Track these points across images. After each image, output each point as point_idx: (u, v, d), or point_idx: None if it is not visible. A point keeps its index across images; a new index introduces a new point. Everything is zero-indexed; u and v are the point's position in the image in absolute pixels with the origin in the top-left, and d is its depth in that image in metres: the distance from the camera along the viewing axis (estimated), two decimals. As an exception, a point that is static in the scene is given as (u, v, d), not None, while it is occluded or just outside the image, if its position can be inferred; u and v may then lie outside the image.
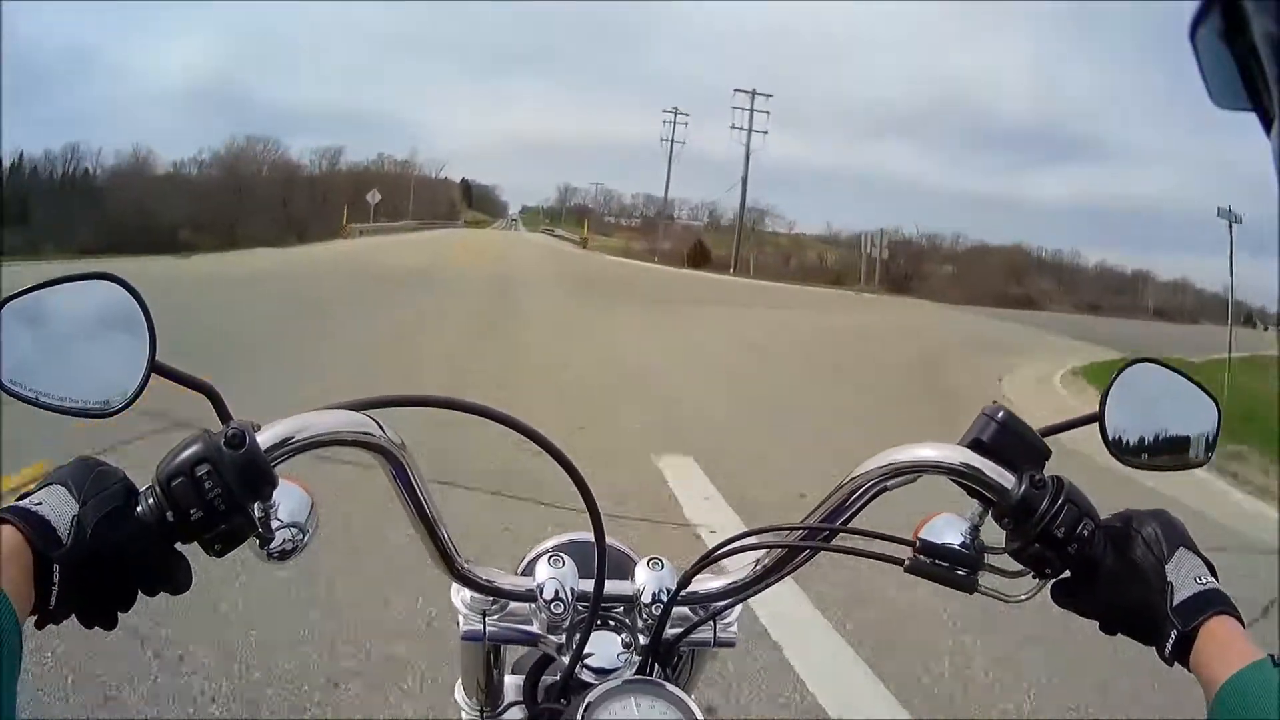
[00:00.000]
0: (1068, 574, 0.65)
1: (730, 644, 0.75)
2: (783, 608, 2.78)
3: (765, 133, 43.90)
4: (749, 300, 20.04)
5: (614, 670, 0.70)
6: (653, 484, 4.25)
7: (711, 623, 0.74)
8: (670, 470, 4.50)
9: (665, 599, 0.71)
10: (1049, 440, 0.68)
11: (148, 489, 0.57)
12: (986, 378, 9.54)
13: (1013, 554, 0.66)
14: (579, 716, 0.61)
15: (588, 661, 0.70)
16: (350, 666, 2.36)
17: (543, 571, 0.71)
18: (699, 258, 42.86)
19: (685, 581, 0.71)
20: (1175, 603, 0.60)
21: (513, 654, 0.85)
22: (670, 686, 0.65)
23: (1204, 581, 0.61)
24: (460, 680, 0.83)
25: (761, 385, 8.01)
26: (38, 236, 20.05)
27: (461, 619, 0.74)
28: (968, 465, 0.66)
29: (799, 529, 0.72)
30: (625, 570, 0.74)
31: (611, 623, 0.73)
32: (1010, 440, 0.66)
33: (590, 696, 0.62)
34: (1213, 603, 0.60)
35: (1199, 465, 0.72)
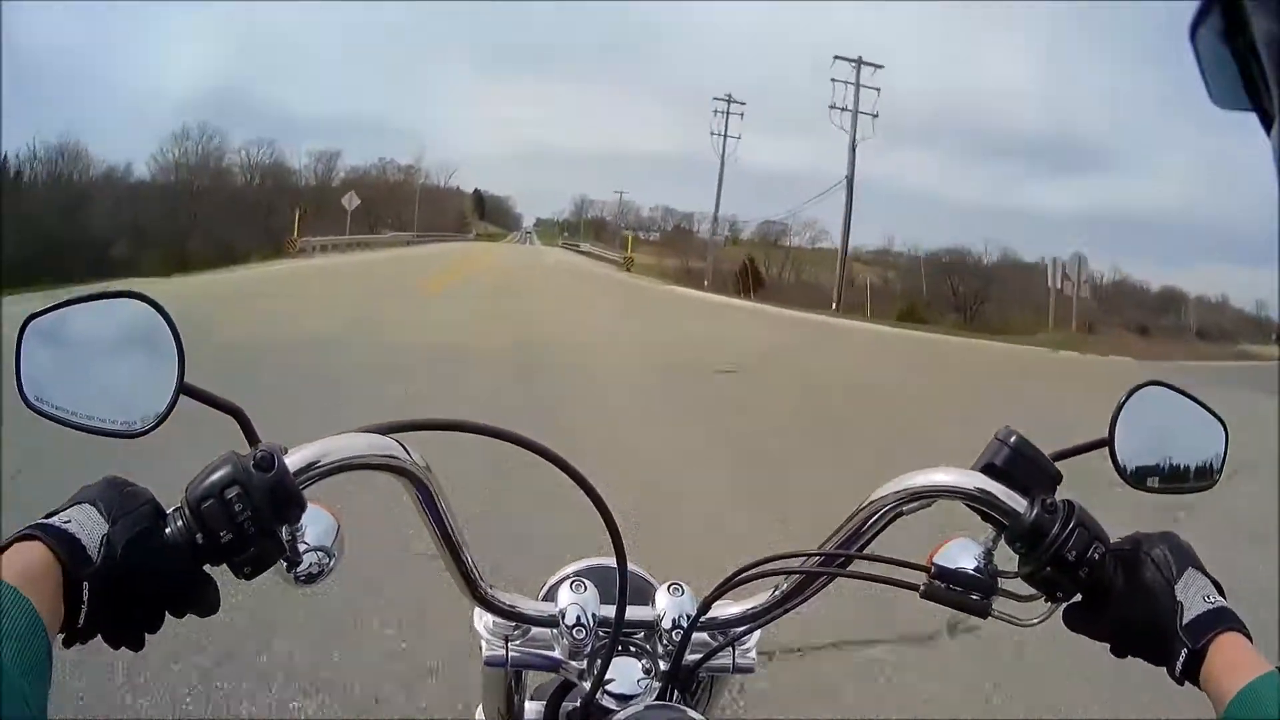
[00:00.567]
0: (1079, 597, 0.68)
1: (749, 669, 0.78)
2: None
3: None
4: (948, 384, 10.80)
5: (634, 696, 0.72)
6: None
7: (730, 648, 0.76)
8: None
9: (686, 625, 0.73)
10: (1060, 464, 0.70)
11: (176, 510, 0.58)
12: None
13: (1025, 578, 0.68)
14: None
15: (609, 688, 0.73)
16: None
17: (565, 597, 0.73)
18: (751, 282, 36.06)
19: (705, 607, 0.73)
20: (1185, 621, 0.63)
21: (533, 680, 0.87)
22: (690, 712, 0.67)
23: (1212, 600, 0.63)
24: (481, 706, 0.85)
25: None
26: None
27: (484, 644, 0.76)
28: (981, 490, 0.68)
29: (816, 555, 0.74)
30: (645, 596, 0.77)
31: (632, 648, 0.75)
32: (1022, 464, 0.69)
33: None
34: (1222, 620, 0.62)
35: (1208, 488, 0.74)
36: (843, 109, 30.09)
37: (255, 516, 0.57)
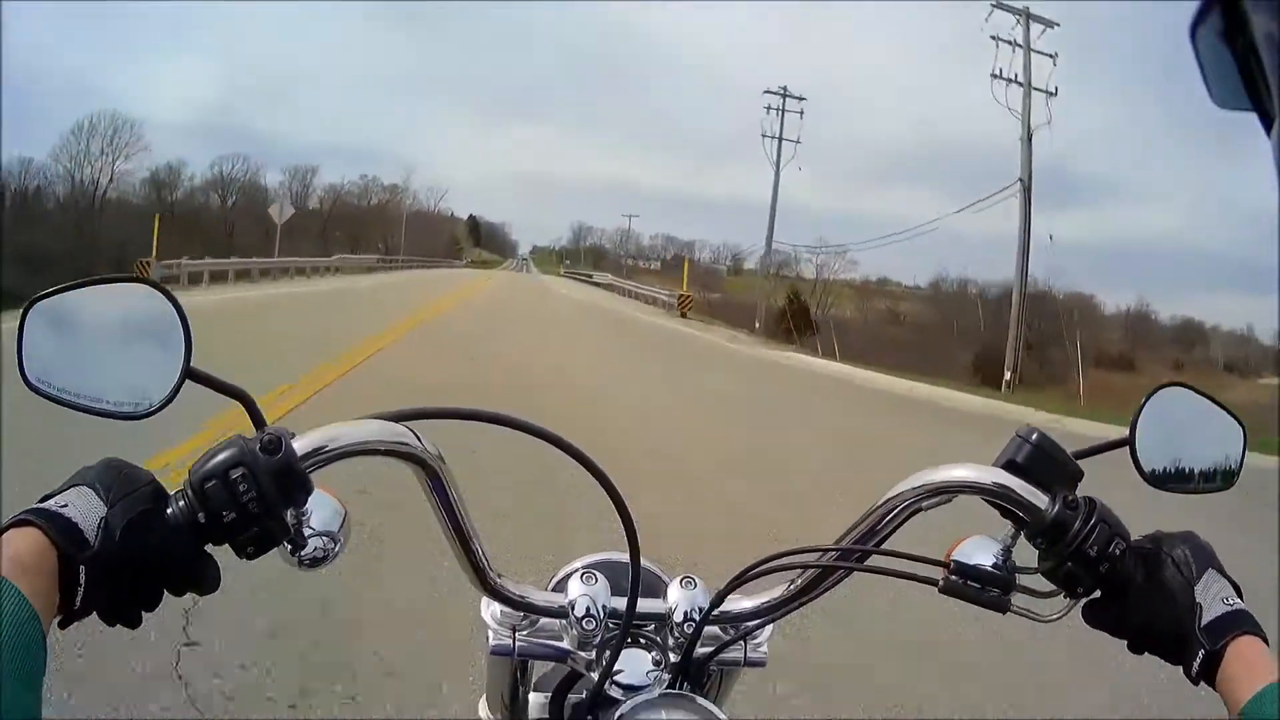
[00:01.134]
0: (1099, 593, 0.69)
1: (760, 664, 0.78)
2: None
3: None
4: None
5: (643, 687, 0.72)
6: None
7: (742, 642, 0.77)
8: None
9: (697, 618, 0.73)
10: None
11: (179, 491, 0.59)
12: None
13: (1045, 573, 0.69)
14: None
15: (617, 678, 0.73)
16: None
17: (575, 588, 0.74)
18: (796, 324, 30.08)
19: (718, 600, 0.74)
20: (1203, 623, 0.64)
21: (538, 672, 0.88)
22: (702, 701, 0.67)
23: (1231, 603, 0.65)
24: (485, 697, 0.86)
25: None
26: None
27: (491, 633, 0.76)
28: (1001, 486, 0.69)
29: (832, 550, 0.75)
30: (657, 590, 0.77)
31: (642, 640, 0.75)
32: (1043, 461, 0.70)
33: (622, 709, 0.65)
34: (1240, 623, 0.63)
35: (1226, 488, 0.76)
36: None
37: (260, 498, 0.58)
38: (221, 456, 0.59)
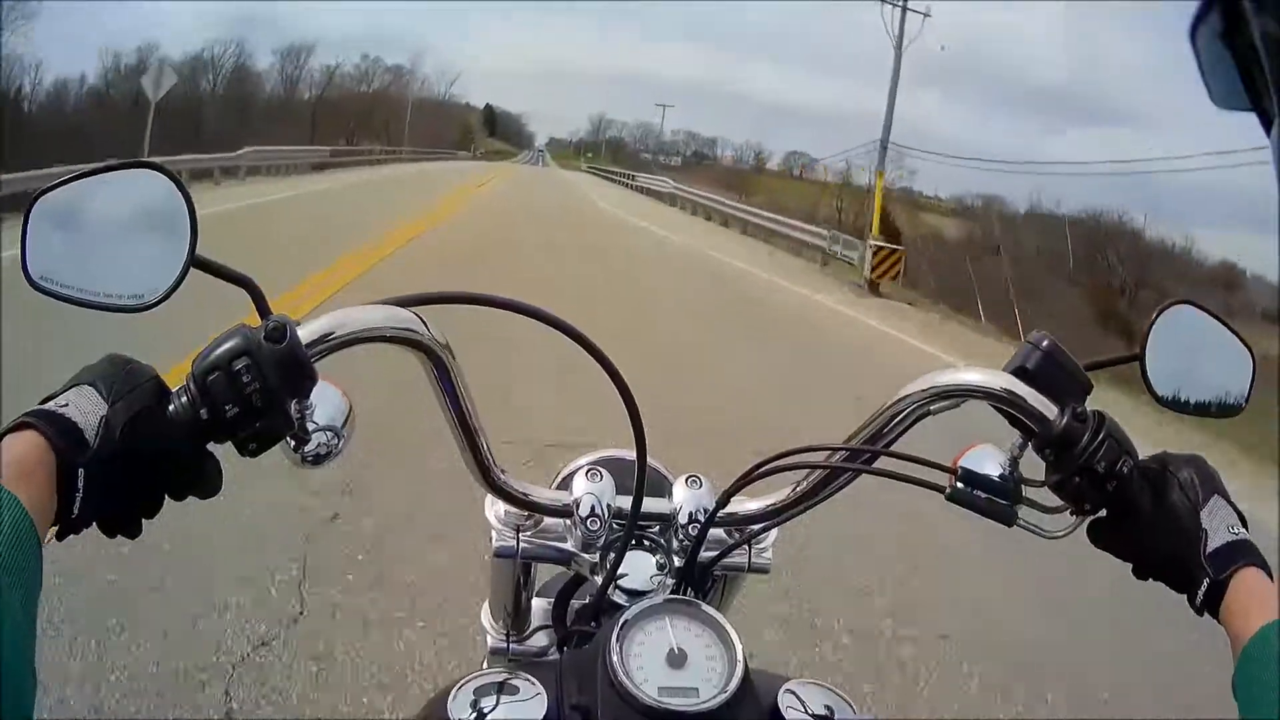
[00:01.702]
0: (1104, 512, 0.69)
1: (765, 570, 0.79)
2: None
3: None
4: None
5: (647, 593, 0.73)
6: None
7: (747, 547, 0.77)
8: None
9: (703, 519, 0.74)
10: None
11: (181, 387, 0.58)
12: None
13: (1052, 487, 0.69)
14: (614, 635, 0.63)
15: (621, 583, 0.74)
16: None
17: (580, 486, 0.74)
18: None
19: (724, 501, 0.74)
20: (1208, 550, 0.64)
21: (542, 578, 0.88)
22: (706, 608, 0.67)
23: (1236, 531, 0.65)
24: (488, 602, 0.86)
25: None
26: None
27: (494, 534, 0.77)
28: (1010, 392, 0.68)
29: (839, 450, 0.75)
30: (662, 489, 0.78)
31: (646, 543, 0.76)
32: (1054, 371, 0.69)
33: (626, 615, 0.65)
34: (1245, 553, 0.64)
35: (1234, 414, 0.75)
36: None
37: (263, 389, 0.57)
38: (225, 347, 0.57)
